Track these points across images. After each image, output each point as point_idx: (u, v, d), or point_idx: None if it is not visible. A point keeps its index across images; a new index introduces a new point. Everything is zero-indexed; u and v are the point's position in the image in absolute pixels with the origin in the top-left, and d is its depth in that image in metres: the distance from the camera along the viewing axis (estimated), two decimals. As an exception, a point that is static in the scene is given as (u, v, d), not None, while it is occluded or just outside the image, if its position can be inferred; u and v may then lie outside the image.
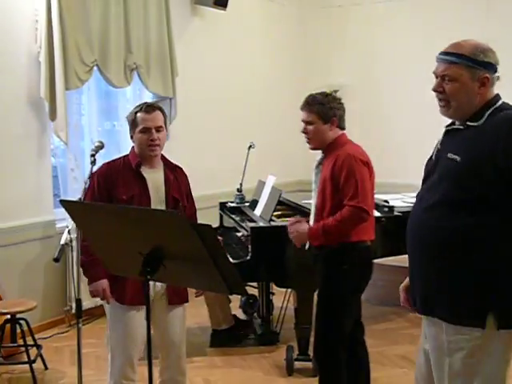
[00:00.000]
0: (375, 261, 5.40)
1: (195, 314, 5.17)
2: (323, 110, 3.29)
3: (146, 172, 3.19)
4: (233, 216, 5.07)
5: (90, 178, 3.08)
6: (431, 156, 2.42)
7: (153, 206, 3.13)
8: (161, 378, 3.32)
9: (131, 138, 3.23)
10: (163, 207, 3.17)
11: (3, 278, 4.77)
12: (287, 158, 7.82)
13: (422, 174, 2.46)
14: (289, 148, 7.72)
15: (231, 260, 4.34)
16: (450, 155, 2.25)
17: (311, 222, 3.42)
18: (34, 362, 4.24)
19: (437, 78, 2.31)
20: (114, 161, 3.27)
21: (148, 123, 3.12)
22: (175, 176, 3.28)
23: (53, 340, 5.06)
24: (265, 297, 4.95)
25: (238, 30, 7.22)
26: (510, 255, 2.19)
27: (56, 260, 2.94)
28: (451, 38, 2.40)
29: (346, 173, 3.19)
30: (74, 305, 5.25)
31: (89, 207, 2.57)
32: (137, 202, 3.12)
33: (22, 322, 4.32)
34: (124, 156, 3.28)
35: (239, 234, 4.82)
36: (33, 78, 5.03)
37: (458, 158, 2.21)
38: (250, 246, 4.31)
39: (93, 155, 3.16)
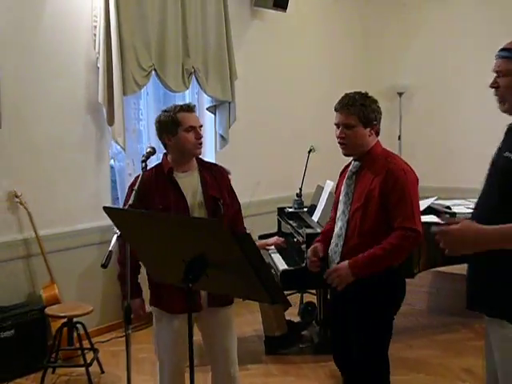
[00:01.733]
0: (440, 269, 5.36)
1: (252, 320, 5.18)
2: (365, 113, 3.05)
3: (178, 177, 3.17)
4: (290, 222, 5.04)
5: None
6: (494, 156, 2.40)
7: (191, 211, 3.13)
8: None
9: (165, 142, 3.19)
10: (202, 210, 3.16)
11: (62, 282, 4.89)
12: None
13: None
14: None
15: (286, 267, 4.40)
16: (506, 154, 2.23)
17: (335, 243, 3.19)
18: (90, 365, 4.34)
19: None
20: (147, 171, 3.22)
21: (193, 121, 3.14)
22: (212, 175, 3.25)
23: (110, 344, 5.15)
24: (323, 304, 4.90)
25: (299, 31, 7.20)
26: None
27: (103, 266, 2.97)
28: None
29: (400, 192, 2.98)
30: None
31: (131, 214, 2.59)
32: (174, 209, 3.10)
33: (78, 325, 4.43)
34: (155, 165, 3.28)
35: (296, 240, 4.79)
36: (91, 84, 5.16)
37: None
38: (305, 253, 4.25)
39: (144, 161, 3.18)
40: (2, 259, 4.70)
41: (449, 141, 7.61)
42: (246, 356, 4.60)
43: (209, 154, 6.29)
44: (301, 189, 5.53)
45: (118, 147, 5.27)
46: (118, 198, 5.50)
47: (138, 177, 3.15)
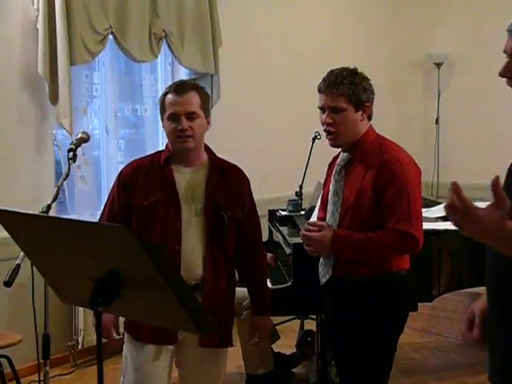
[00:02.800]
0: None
1: (235, 353, 5.02)
2: (355, 92, 3.07)
3: (179, 171, 3.15)
4: (281, 228, 4.95)
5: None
6: None
7: (184, 216, 3.11)
8: None
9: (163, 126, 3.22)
10: (200, 218, 3.13)
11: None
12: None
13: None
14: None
15: (270, 285, 4.25)
16: None
17: None
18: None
19: (507, 57, 2.14)
20: (143, 157, 3.27)
21: (176, 108, 3.08)
22: (224, 178, 3.21)
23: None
24: (320, 335, 4.74)
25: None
26: None
27: (6, 284, 2.90)
28: None
29: (395, 187, 3.02)
30: (80, 339, 5.29)
31: (27, 219, 2.49)
32: (162, 209, 3.10)
33: (2, 360, 4.30)
34: (155, 153, 3.29)
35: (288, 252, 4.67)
36: (29, 50, 5.03)
37: None
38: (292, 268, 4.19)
39: (72, 150, 3.20)
40: None
41: (499, 126, 7.44)
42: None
43: None
44: (301, 186, 5.47)
45: (65, 132, 5.14)
46: (64, 196, 5.37)
47: (133, 161, 3.24)
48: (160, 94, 6.03)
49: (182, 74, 6.05)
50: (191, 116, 3.06)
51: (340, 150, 3.28)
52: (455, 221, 1.88)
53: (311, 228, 3.17)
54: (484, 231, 1.86)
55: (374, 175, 3.04)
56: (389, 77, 7.99)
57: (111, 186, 3.25)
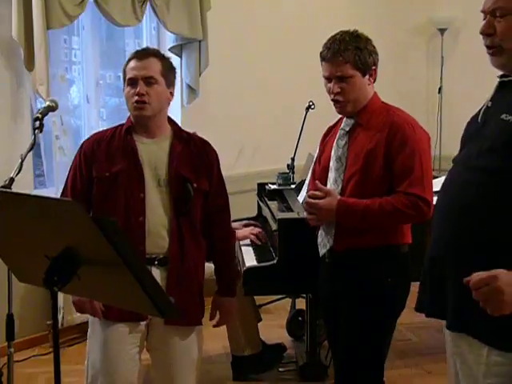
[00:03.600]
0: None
1: (221, 333, 4.94)
2: (361, 57, 3.07)
3: (141, 142, 3.14)
4: (270, 203, 4.87)
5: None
6: (476, 115, 2.34)
7: (148, 188, 3.09)
8: None
9: None
10: (163, 190, 3.12)
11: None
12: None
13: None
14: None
15: (255, 263, 4.24)
16: (504, 116, 2.17)
17: (325, 224, 3.22)
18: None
19: (485, 16, 2.24)
20: (105, 129, 3.30)
21: (135, 72, 3.07)
22: (190, 149, 3.19)
23: (28, 364, 5.00)
24: (310, 315, 4.65)
25: None
26: None
27: None
28: None
29: (408, 150, 3.01)
30: (60, 317, 5.20)
31: None
32: (124, 180, 3.07)
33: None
34: (118, 125, 3.26)
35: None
36: (3, 14, 4.89)
37: None
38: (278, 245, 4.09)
39: (38, 119, 3.09)
40: None
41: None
42: (207, 382, 4.41)
43: (173, 110, 6.01)
44: (293, 159, 5.41)
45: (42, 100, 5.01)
46: (41, 168, 5.28)
47: (94, 135, 3.27)
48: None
49: (168, 39, 5.93)
50: (149, 81, 3.04)
51: (338, 118, 3.31)
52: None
53: (318, 194, 3.10)
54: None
55: (386, 137, 3.03)
56: (388, 43, 7.73)
57: (73, 160, 3.21)
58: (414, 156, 3.01)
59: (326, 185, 3.20)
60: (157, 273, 3.07)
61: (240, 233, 4.70)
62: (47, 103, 3.22)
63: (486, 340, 2.21)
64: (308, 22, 6.79)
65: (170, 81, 3.14)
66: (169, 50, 5.89)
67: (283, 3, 6.64)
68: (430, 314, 2.43)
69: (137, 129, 3.13)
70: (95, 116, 5.62)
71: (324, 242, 3.19)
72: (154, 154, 3.12)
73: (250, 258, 4.32)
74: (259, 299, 5.55)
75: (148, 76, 3.04)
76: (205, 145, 3.28)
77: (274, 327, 5.26)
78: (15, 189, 2.97)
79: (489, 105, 2.29)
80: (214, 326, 3.52)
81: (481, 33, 2.22)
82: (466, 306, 2.21)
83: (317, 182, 3.18)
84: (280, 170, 5.29)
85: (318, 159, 3.43)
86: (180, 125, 5.80)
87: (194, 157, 3.19)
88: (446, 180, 2.40)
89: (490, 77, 7.38)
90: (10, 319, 2.70)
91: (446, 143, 7.60)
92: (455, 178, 2.33)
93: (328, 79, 3.13)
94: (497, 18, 2.14)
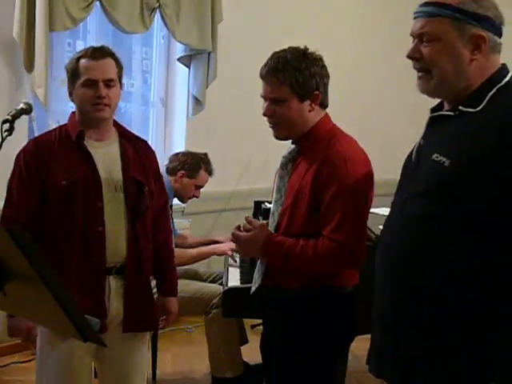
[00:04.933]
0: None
1: (204, 354, 4.82)
2: (300, 80, 2.77)
3: (91, 146, 3.06)
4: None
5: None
6: (410, 154, 2.30)
7: (105, 193, 3.02)
8: None
9: (70, 95, 3.11)
10: (120, 194, 3.05)
11: None
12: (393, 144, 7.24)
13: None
14: (397, 135, 7.19)
15: (237, 284, 4.11)
16: (435, 156, 2.11)
17: None
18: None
19: (414, 40, 2.22)
20: (44, 134, 3.19)
21: (94, 73, 2.99)
22: (136, 150, 3.16)
23: (5, 371, 4.92)
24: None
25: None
26: None
27: None
28: None
29: (335, 188, 2.69)
30: None
31: None
32: (82, 189, 2.99)
33: None
34: (60, 126, 3.17)
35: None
36: (5, 13, 4.85)
37: (446, 161, 2.06)
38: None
39: (7, 121, 2.95)
40: None
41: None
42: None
43: (178, 121, 6.13)
44: None
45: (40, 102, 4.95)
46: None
47: (32, 140, 3.17)
48: (155, 70, 5.90)
49: (178, 50, 5.87)
50: (109, 84, 2.98)
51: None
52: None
53: (247, 226, 2.91)
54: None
55: (314, 173, 2.75)
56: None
57: (12, 171, 3.08)
58: (341, 196, 2.69)
59: None
60: (113, 282, 3.03)
61: (220, 247, 4.73)
62: (20, 105, 3.13)
63: None
64: (318, 36, 6.67)
65: (121, 82, 3.11)
66: (177, 59, 5.88)
67: (295, 18, 6.52)
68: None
69: (87, 132, 3.04)
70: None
71: (255, 279, 2.99)
72: (106, 158, 3.06)
73: (234, 279, 4.19)
74: (252, 320, 5.45)
75: (108, 78, 2.98)
76: (147, 144, 3.28)
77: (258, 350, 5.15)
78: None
79: (421, 142, 2.23)
80: (160, 328, 3.55)
81: (407, 56, 2.20)
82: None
83: (247, 215, 3.05)
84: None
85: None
86: (184, 137, 5.78)
87: (141, 158, 3.16)
88: (384, 225, 2.34)
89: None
90: None
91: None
92: (392, 223, 2.28)
93: (264, 98, 2.89)
94: (423, 42, 2.13)
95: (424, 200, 2.12)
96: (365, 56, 7.03)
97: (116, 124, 3.16)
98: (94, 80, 2.96)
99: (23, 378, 4.76)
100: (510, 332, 2.03)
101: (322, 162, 2.74)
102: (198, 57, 5.81)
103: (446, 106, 2.20)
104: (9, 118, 3.01)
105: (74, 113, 3.13)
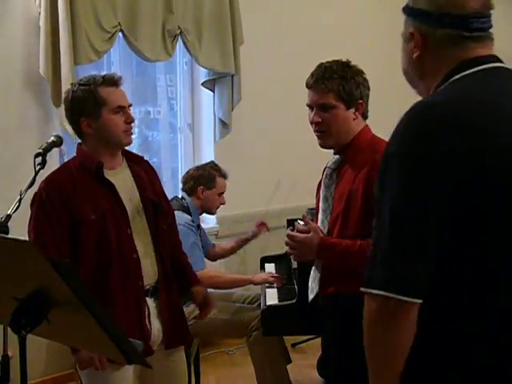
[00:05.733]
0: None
1: (242, 374, 4.84)
2: (345, 88, 2.91)
3: (108, 175, 3.06)
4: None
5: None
6: None
7: (132, 221, 3.07)
8: None
9: (81, 128, 3.08)
10: (143, 218, 3.11)
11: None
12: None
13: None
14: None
15: (276, 302, 4.16)
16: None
17: (314, 266, 3.11)
18: None
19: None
20: (62, 169, 3.16)
21: (122, 100, 3.05)
22: (144, 171, 3.23)
23: None
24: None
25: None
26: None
27: None
28: None
29: None
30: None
31: None
32: (111, 220, 3.00)
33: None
34: (68, 162, 3.18)
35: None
36: (32, 49, 4.93)
37: None
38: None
39: (40, 154, 3.02)
40: None
41: None
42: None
43: (206, 145, 6.13)
44: None
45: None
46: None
47: (51, 176, 3.10)
48: (180, 96, 5.93)
49: (202, 75, 5.92)
50: (130, 109, 3.10)
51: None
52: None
53: (300, 228, 3.01)
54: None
55: (366, 176, 2.85)
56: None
57: (34, 211, 3.01)
58: None
59: None
60: (150, 303, 3.10)
61: (258, 277, 4.71)
62: (51, 138, 3.17)
63: None
64: (339, 55, 6.71)
65: None
66: (202, 84, 5.92)
67: (316, 37, 6.55)
68: None
69: (103, 162, 3.05)
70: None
71: (312, 287, 3.08)
72: (123, 185, 3.08)
73: (272, 298, 4.25)
74: (293, 338, 5.44)
75: (130, 104, 3.10)
76: (149, 163, 3.33)
77: (306, 367, 5.12)
78: (19, 225, 2.95)
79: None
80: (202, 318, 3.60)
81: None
82: None
83: (305, 214, 3.11)
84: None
85: (316, 194, 3.30)
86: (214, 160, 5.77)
87: (150, 178, 3.22)
88: None
89: None
90: (4, 361, 2.60)
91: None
92: None
93: (310, 107, 3.01)
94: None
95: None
96: (384, 69, 7.07)
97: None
98: (123, 106, 3.02)
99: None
100: None
101: (371, 167, 2.81)
102: (222, 80, 5.84)
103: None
104: (41, 151, 3.06)
105: (80, 146, 3.14)
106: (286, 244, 3.04)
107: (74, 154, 3.20)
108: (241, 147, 6.03)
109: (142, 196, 3.11)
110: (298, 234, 2.98)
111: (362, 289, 1.83)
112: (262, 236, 5.36)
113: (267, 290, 4.41)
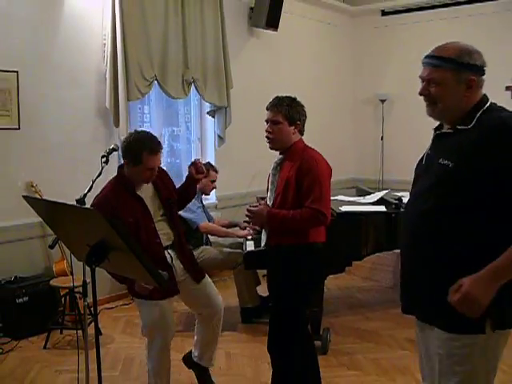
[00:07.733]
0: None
1: (233, 293, 4.89)
2: (290, 112, 2.89)
3: (138, 191, 2.97)
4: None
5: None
6: (421, 160, 2.04)
7: (154, 216, 2.98)
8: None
9: (126, 163, 2.96)
10: (162, 211, 3.03)
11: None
12: (341, 157, 7.30)
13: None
14: (343, 150, 7.34)
15: (252, 248, 4.08)
16: (441, 161, 1.87)
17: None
18: (83, 327, 4.07)
19: (423, 81, 1.97)
20: (108, 191, 2.98)
21: (154, 164, 2.90)
22: (160, 177, 3.05)
23: (115, 310, 4.95)
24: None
25: (289, 48, 6.83)
26: None
27: (50, 247, 2.90)
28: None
29: (311, 177, 2.79)
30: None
31: (43, 203, 2.45)
32: (143, 223, 2.93)
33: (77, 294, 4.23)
34: (115, 180, 3.03)
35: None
36: (101, 92, 4.94)
37: (450, 164, 1.84)
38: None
39: (104, 156, 3.04)
40: (22, 238, 4.56)
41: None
42: (224, 325, 4.33)
43: (209, 152, 6.06)
44: None
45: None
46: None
47: (105, 189, 2.97)
48: (193, 120, 5.88)
49: (207, 107, 5.87)
50: (161, 153, 2.98)
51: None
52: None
53: (254, 205, 3.02)
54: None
55: (297, 169, 2.83)
56: (350, 109, 7.79)
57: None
58: (315, 182, 2.78)
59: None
60: (171, 252, 3.06)
61: (241, 232, 4.66)
62: (112, 146, 3.15)
63: (440, 325, 1.89)
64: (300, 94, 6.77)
65: None
66: (207, 113, 5.87)
67: (286, 83, 6.40)
68: (405, 310, 2.05)
69: (135, 183, 2.97)
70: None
71: (263, 238, 3.07)
72: (148, 193, 2.99)
73: (250, 246, 4.17)
74: (263, 272, 5.46)
75: (159, 166, 3.03)
76: (161, 168, 3.11)
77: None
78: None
79: (429, 152, 2.00)
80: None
81: (420, 94, 1.95)
82: (428, 302, 1.93)
83: (258, 197, 3.07)
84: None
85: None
86: (214, 161, 5.78)
87: (164, 181, 3.08)
88: (405, 208, 2.08)
89: (412, 130, 7.28)
90: (84, 284, 2.64)
91: (386, 171, 7.53)
92: (412, 208, 1.99)
93: (267, 122, 2.96)
94: (431, 84, 1.92)
95: (436, 190, 1.88)
96: (318, 95, 7.12)
97: None
98: (153, 168, 2.92)
99: (128, 313, 4.81)
100: None
101: (301, 163, 2.83)
102: (219, 111, 5.79)
103: (445, 127, 1.97)
104: (105, 154, 3.08)
105: (121, 169, 3.01)
106: (246, 215, 2.98)
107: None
108: (231, 152, 6.03)
109: (160, 198, 3.02)
110: (253, 208, 2.94)
111: None
112: (244, 210, 5.37)
113: (247, 242, 4.34)
